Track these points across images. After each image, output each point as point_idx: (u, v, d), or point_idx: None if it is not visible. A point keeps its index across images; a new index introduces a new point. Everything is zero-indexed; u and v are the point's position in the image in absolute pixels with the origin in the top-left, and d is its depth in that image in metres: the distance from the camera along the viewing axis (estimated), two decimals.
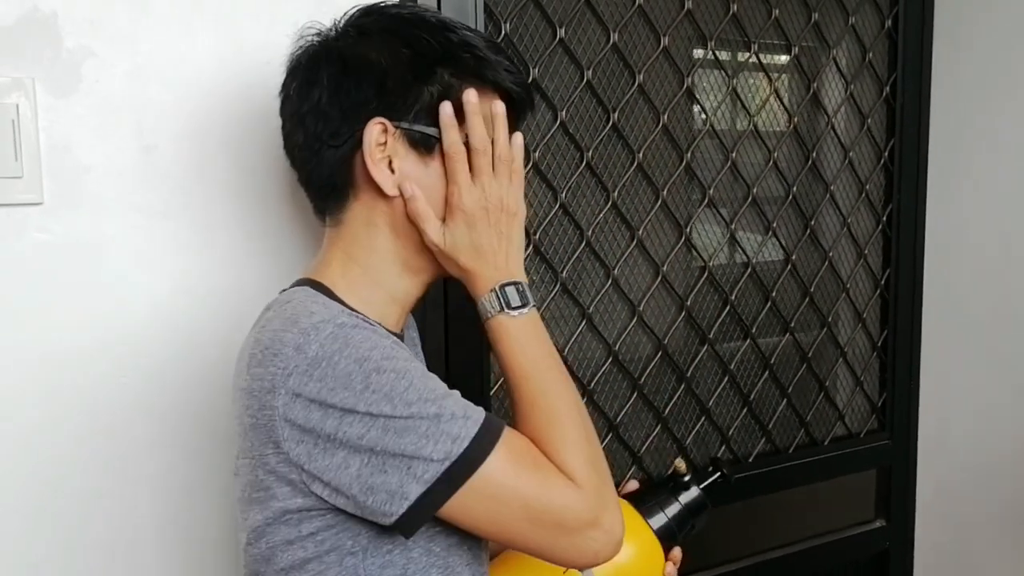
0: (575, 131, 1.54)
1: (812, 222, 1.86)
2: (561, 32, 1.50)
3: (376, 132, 0.93)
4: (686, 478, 1.12)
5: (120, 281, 1.15)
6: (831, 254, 1.90)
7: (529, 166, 1.49)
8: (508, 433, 0.88)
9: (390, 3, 1.01)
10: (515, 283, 0.96)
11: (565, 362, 1.53)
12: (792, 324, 1.86)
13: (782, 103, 1.81)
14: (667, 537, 1.09)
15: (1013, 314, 1.89)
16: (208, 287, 1.20)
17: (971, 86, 1.91)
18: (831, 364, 1.95)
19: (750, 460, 1.82)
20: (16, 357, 1.10)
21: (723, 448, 1.78)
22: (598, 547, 0.90)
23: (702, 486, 1.13)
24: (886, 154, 1.95)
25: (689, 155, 1.67)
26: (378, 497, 0.84)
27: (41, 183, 1.09)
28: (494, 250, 0.96)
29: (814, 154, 1.85)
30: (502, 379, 1.49)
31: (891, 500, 2.06)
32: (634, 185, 1.63)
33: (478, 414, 0.87)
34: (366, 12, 0.99)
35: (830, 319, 1.92)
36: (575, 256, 1.56)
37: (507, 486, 0.86)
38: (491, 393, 1.49)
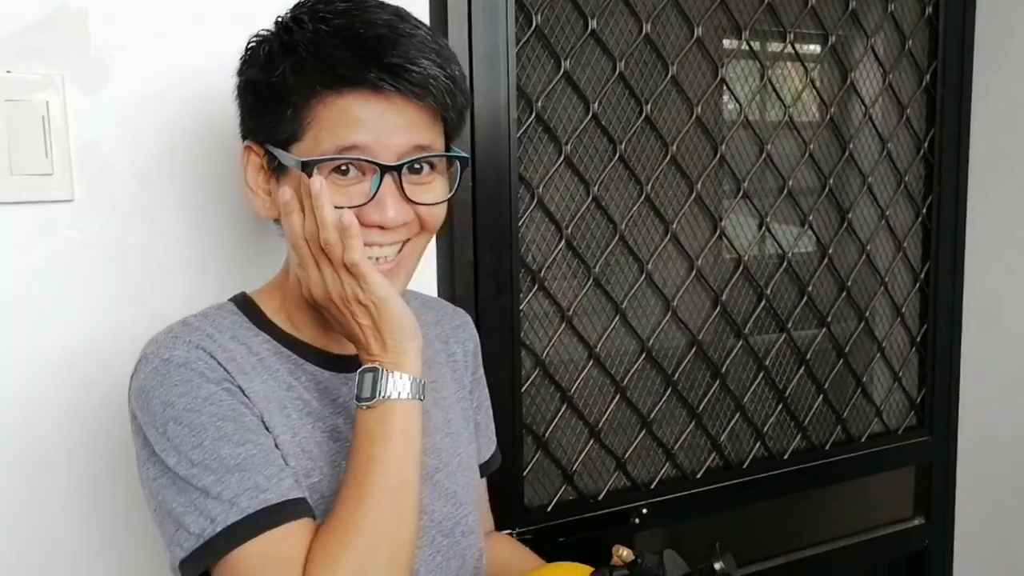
0: (607, 123, 1.51)
1: (849, 214, 1.83)
2: (593, 23, 1.47)
3: (245, 156, 0.92)
4: (639, 561, 0.92)
5: (146, 281, 1.15)
6: (868, 247, 1.86)
7: (560, 160, 1.47)
8: (279, 533, 0.81)
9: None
10: (373, 370, 0.86)
11: (597, 359, 1.54)
12: (828, 318, 1.82)
13: (818, 93, 1.78)
14: None
15: None
16: (235, 288, 1.19)
17: (1015, 74, 1.86)
18: (868, 359, 1.92)
19: (785, 457, 1.80)
20: (41, 354, 1.11)
21: (758, 444, 1.76)
22: None
23: None
24: (926, 145, 1.90)
25: (723, 147, 1.64)
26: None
27: (72, 180, 1.09)
28: (361, 336, 0.87)
29: (851, 145, 1.81)
30: (535, 374, 1.49)
31: (931, 497, 2.02)
32: (667, 178, 1.60)
33: (254, 503, 0.81)
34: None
35: (867, 313, 1.88)
36: (608, 250, 1.54)
37: None
38: (522, 390, 1.48)
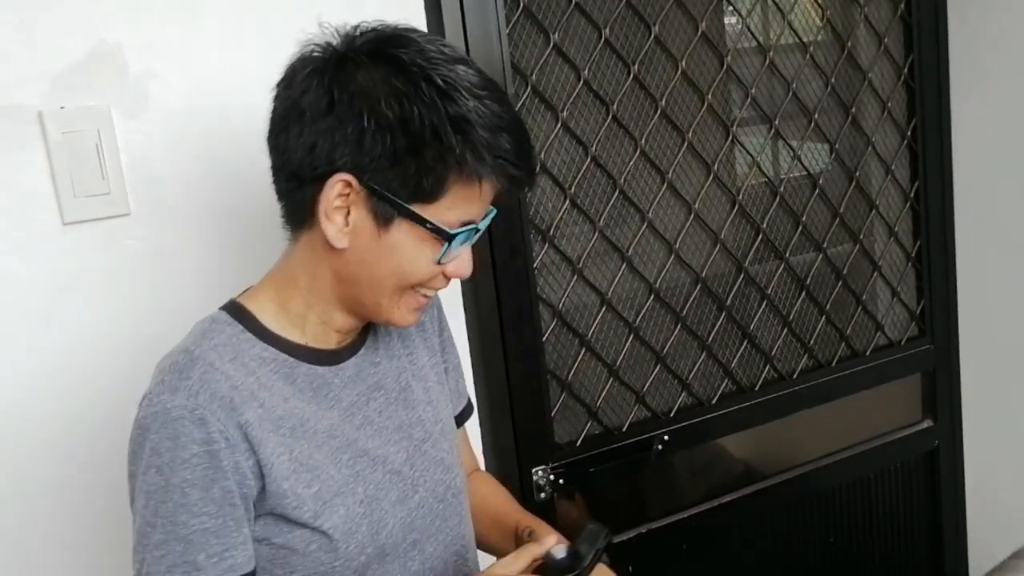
0: (598, 87, 1.63)
1: (836, 144, 1.93)
2: None
3: (338, 188, 0.90)
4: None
5: (194, 280, 1.29)
6: (857, 173, 1.97)
7: (558, 126, 1.59)
8: None
9: (409, 34, 0.92)
10: None
11: (609, 304, 1.68)
12: (824, 243, 1.94)
13: (795, 34, 1.86)
14: None
15: None
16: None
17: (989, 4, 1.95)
18: (867, 278, 2.04)
19: (794, 377, 1.93)
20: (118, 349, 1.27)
21: (767, 367, 1.89)
22: None
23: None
24: (906, 71, 1.99)
25: (709, 96, 1.75)
26: None
27: (127, 196, 1.24)
28: None
29: (832, 79, 1.91)
30: (553, 323, 1.63)
31: (937, 401, 2.15)
32: (659, 131, 1.72)
33: (182, 570, 0.86)
34: (375, 44, 0.91)
35: (862, 236, 1.99)
36: (610, 204, 1.67)
37: None
38: (543, 339, 1.63)
